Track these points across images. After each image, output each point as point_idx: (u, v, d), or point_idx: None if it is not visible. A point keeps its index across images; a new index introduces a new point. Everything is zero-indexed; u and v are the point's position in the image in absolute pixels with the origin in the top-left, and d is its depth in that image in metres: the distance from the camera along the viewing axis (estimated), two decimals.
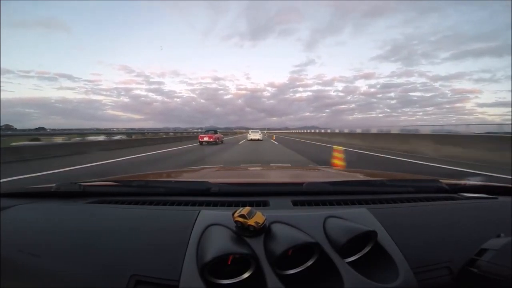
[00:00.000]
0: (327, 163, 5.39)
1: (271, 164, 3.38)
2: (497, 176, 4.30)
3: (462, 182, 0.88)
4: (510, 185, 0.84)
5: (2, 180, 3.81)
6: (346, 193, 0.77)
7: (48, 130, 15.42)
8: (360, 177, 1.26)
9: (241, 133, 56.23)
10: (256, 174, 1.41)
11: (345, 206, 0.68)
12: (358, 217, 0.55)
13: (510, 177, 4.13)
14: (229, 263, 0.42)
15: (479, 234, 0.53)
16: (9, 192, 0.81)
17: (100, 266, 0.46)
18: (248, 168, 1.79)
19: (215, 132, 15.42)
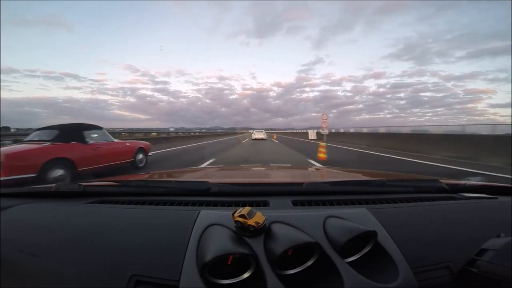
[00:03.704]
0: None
1: (271, 164, 3.39)
2: (496, 176, 4.30)
3: (462, 182, 0.88)
4: (510, 185, 0.84)
5: None
6: (346, 193, 0.77)
7: (13, 130, 13.82)
8: (360, 177, 1.26)
9: (242, 133, 56.17)
10: (256, 174, 1.41)
11: (345, 206, 0.68)
12: (358, 217, 0.55)
13: (510, 176, 4.13)
14: (229, 263, 0.42)
15: (479, 234, 0.53)
16: (9, 192, 0.81)
17: (100, 266, 0.46)
18: (248, 168, 1.80)
19: (71, 135, 3.83)
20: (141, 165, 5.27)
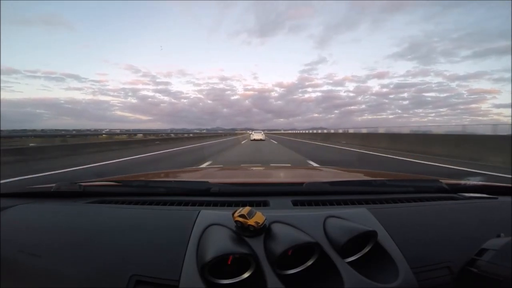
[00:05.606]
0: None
1: (271, 164, 3.39)
2: (497, 176, 4.29)
3: (462, 182, 0.88)
4: (510, 185, 0.84)
5: None
6: (346, 193, 0.77)
7: None
8: (360, 177, 1.26)
9: (242, 134, 56.37)
10: (256, 174, 1.41)
11: (345, 206, 0.68)
12: (358, 217, 0.55)
13: (510, 176, 4.12)
14: (229, 263, 0.42)
15: (479, 234, 0.53)
16: (9, 192, 0.81)
17: (100, 266, 0.46)
18: (248, 168, 1.79)
19: None
20: None
